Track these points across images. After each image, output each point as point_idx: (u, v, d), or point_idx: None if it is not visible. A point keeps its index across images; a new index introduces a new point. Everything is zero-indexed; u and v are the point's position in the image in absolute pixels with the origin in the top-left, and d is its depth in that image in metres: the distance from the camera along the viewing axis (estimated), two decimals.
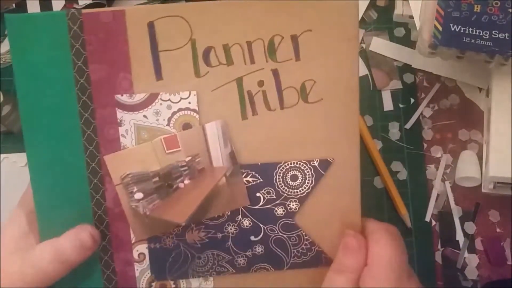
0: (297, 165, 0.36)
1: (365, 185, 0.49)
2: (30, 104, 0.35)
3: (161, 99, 0.35)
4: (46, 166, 0.36)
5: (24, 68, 0.35)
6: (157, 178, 0.36)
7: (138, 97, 0.35)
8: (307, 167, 0.37)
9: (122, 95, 0.35)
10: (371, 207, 0.48)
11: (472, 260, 0.46)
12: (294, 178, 0.37)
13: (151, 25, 0.35)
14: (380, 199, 0.49)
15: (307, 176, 0.37)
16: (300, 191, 0.37)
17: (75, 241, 0.35)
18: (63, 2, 0.58)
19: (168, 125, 0.36)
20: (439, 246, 0.47)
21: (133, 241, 0.37)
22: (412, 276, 0.33)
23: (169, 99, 0.36)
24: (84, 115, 0.35)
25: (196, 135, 0.36)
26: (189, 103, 0.36)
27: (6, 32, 0.59)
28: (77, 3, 0.58)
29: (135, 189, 0.36)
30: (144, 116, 0.36)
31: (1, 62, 0.58)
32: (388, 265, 0.32)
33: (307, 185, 0.37)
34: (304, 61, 0.35)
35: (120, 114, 0.35)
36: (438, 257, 0.47)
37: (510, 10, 0.42)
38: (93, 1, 0.57)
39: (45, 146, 0.35)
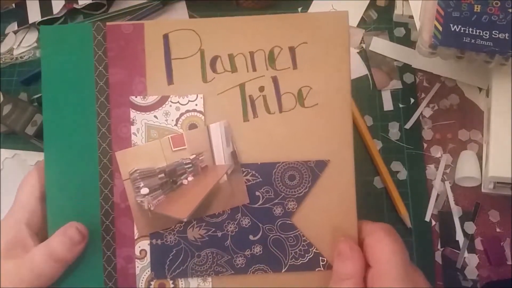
0: (295, 165, 0.39)
1: (365, 185, 0.49)
2: (53, 101, 0.39)
3: (171, 101, 0.39)
4: (61, 159, 0.38)
5: (51, 70, 0.39)
6: (162, 175, 0.38)
7: (151, 99, 0.39)
8: (304, 168, 0.39)
9: (136, 97, 0.39)
10: (371, 207, 0.48)
11: (472, 260, 0.46)
12: (292, 178, 0.39)
13: (166, 37, 0.39)
14: (380, 199, 0.49)
15: (304, 176, 0.39)
16: (297, 190, 0.38)
17: (64, 238, 0.36)
18: (63, 2, 0.58)
19: (176, 125, 0.39)
20: (439, 246, 0.47)
21: (136, 237, 0.38)
22: (417, 271, 0.34)
23: (178, 102, 0.39)
24: (100, 114, 0.39)
25: (201, 135, 0.39)
26: (196, 105, 0.39)
27: (6, 32, 0.60)
28: (77, 3, 0.58)
29: (141, 184, 0.38)
30: (155, 116, 0.39)
31: (1, 62, 0.58)
32: (394, 263, 0.32)
33: (304, 185, 0.38)
34: (301, 69, 0.39)
35: (133, 114, 0.39)
36: (438, 257, 0.47)
37: (510, 10, 0.42)
38: (93, 1, 0.58)
39: (62, 141, 0.38)
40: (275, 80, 0.39)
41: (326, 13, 0.40)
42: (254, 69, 0.39)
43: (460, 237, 0.47)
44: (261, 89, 0.39)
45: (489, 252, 0.46)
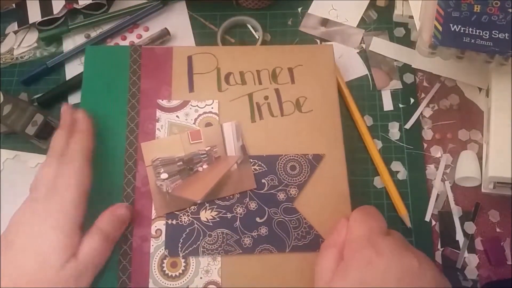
0: (295, 158, 0.45)
1: (365, 185, 0.49)
2: (90, 100, 0.47)
3: (191, 104, 0.47)
4: (95, 148, 0.43)
5: (92, 77, 0.48)
6: (181, 163, 0.45)
7: (174, 103, 0.47)
8: (303, 160, 0.45)
9: (162, 100, 0.47)
10: None
11: (472, 260, 0.46)
12: (293, 168, 0.45)
13: (189, 58, 0.49)
14: (380, 199, 0.49)
15: (303, 167, 0.45)
16: (298, 179, 0.45)
17: (112, 218, 0.40)
18: (63, 2, 0.58)
19: (194, 123, 0.46)
20: (439, 246, 0.47)
21: (153, 217, 0.43)
22: (385, 240, 0.36)
23: (197, 105, 0.47)
24: (131, 113, 0.46)
25: (215, 131, 0.46)
26: (212, 108, 0.47)
27: (6, 32, 0.60)
28: (77, 3, 0.58)
29: (162, 170, 0.44)
30: (177, 116, 0.47)
31: (1, 62, 0.58)
32: (358, 237, 0.37)
33: (304, 174, 0.45)
34: (298, 84, 0.48)
35: (158, 113, 0.47)
36: (438, 257, 0.47)
37: (510, 10, 0.42)
38: (93, 1, 0.58)
39: (97, 131, 0.44)
40: (277, 91, 0.48)
41: (317, 46, 0.54)
42: (260, 83, 0.48)
43: (460, 237, 0.47)
44: (266, 98, 0.48)
45: (489, 252, 0.46)
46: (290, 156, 0.45)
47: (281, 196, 0.44)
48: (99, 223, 0.40)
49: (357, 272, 0.34)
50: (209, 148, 0.45)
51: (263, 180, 0.44)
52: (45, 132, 0.51)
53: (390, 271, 0.34)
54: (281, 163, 0.45)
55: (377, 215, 0.39)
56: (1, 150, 0.53)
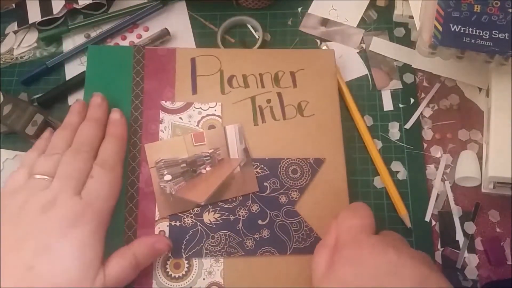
0: (297, 161, 0.46)
1: (365, 185, 0.49)
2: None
3: (194, 107, 0.47)
4: None
5: (95, 76, 0.48)
6: (184, 164, 0.45)
7: (178, 104, 0.47)
8: (304, 163, 0.46)
9: (166, 101, 0.47)
10: (371, 207, 0.48)
11: (472, 260, 0.46)
12: (295, 171, 0.45)
13: (193, 60, 0.49)
14: (380, 199, 0.49)
15: (305, 170, 0.45)
16: (299, 182, 0.45)
17: (151, 251, 0.39)
18: (63, 2, 0.58)
19: (197, 125, 0.46)
20: (439, 246, 0.47)
21: (156, 218, 0.43)
22: (373, 235, 0.37)
23: (200, 107, 0.47)
24: (134, 114, 0.46)
25: (218, 134, 0.46)
26: (215, 110, 0.47)
27: (6, 32, 0.60)
28: (77, 3, 0.58)
29: (165, 172, 0.44)
30: (180, 118, 0.47)
31: (1, 62, 0.58)
32: (344, 232, 0.38)
33: (305, 178, 0.45)
34: (300, 88, 0.49)
35: (162, 115, 0.47)
36: (438, 257, 0.47)
37: (510, 10, 0.42)
38: (93, 1, 0.58)
39: None
40: (279, 95, 0.48)
41: (319, 50, 0.54)
42: (263, 86, 0.48)
43: (460, 237, 0.47)
44: (268, 101, 0.48)
45: (489, 252, 0.46)
46: (291, 160, 0.46)
47: (283, 199, 0.44)
48: (136, 249, 0.39)
49: (339, 272, 0.35)
50: (212, 150, 0.45)
51: (265, 183, 0.45)
52: None
53: (366, 269, 0.34)
54: (283, 167, 0.45)
55: (363, 212, 0.39)
56: (1, 150, 0.53)
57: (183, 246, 0.42)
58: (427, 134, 0.51)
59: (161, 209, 0.43)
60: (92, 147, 0.41)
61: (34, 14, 0.58)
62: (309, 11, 0.58)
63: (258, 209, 0.44)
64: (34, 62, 0.58)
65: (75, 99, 0.55)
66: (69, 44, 0.58)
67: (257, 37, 0.57)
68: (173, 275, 0.41)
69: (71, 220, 0.36)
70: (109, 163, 0.40)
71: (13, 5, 0.61)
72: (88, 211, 0.37)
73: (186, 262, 0.42)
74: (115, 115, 0.44)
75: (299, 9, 0.58)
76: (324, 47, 0.55)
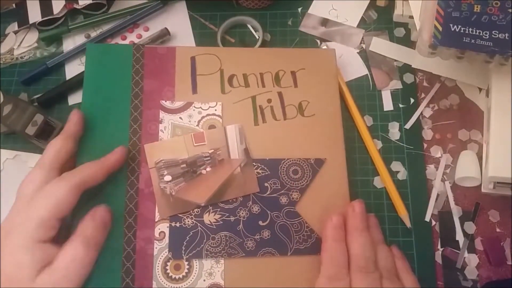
0: (297, 162, 0.45)
1: (365, 185, 0.49)
2: (91, 99, 0.46)
3: (194, 106, 0.47)
4: (94, 149, 0.43)
5: (93, 75, 0.47)
6: (184, 165, 0.44)
7: (178, 104, 0.46)
8: (305, 164, 0.45)
9: (165, 101, 0.46)
10: (371, 207, 0.48)
11: (472, 260, 0.46)
12: (295, 172, 0.45)
13: (193, 58, 0.48)
14: (380, 199, 0.49)
15: (305, 171, 0.45)
16: (300, 183, 0.45)
17: (94, 223, 0.39)
18: (63, 2, 0.58)
19: (197, 125, 0.46)
20: (439, 246, 0.47)
21: (156, 219, 0.43)
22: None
23: (200, 107, 0.47)
24: (133, 114, 0.46)
25: (219, 134, 0.46)
26: (215, 110, 0.47)
27: (6, 32, 0.60)
28: (77, 3, 0.58)
29: (165, 172, 0.44)
30: (180, 117, 0.46)
31: (1, 62, 0.58)
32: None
33: (306, 179, 0.45)
34: (301, 87, 0.48)
35: (162, 114, 0.46)
36: (438, 257, 0.47)
37: (510, 10, 0.42)
38: (93, 1, 0.58)
39: (97, 132, 0.44)
40: (280, 95, 0.48)
41: (320, 50, 0.53)
42: (263, 86, 0.48)
43: (460, 237, 0.47)
44: (269, 101, 0.47)
45: (489, 252, 0.46)
46: (292, 160, 0.45)
47: (284, 200, 0.44)
48: (79, 229, 0.38)
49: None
50: (212, 150, 0.45)
51: (265, 184, 0.44)
52: (45, 132, 0.51)
53: None
54: (284, 167, 0.45)
55: (357, 208, 0.42)
56: (1, 150, 0.53)
57: (183, 247, 0.42)
58: (427, 134, 0.51)
59: (161, 210, 0.43)
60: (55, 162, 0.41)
61: (34, 14, 0.59)
62: (309, 11, 0.58)
63: (258, 209, 0.43)
64: (34, 62, 0.58)
65: (75, 99, 0.55)
66: (69, 44, 0.58)
67: (257, 37, 0.57)
68: (173, 276, 0.41)
69: None
70: (65, 177, 0.39)
71: (14, 5, 0.61)
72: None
73: (186, 263, 0.41)
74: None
75: (299, 9, 0.58)
76: (324, 47, 0.55)
